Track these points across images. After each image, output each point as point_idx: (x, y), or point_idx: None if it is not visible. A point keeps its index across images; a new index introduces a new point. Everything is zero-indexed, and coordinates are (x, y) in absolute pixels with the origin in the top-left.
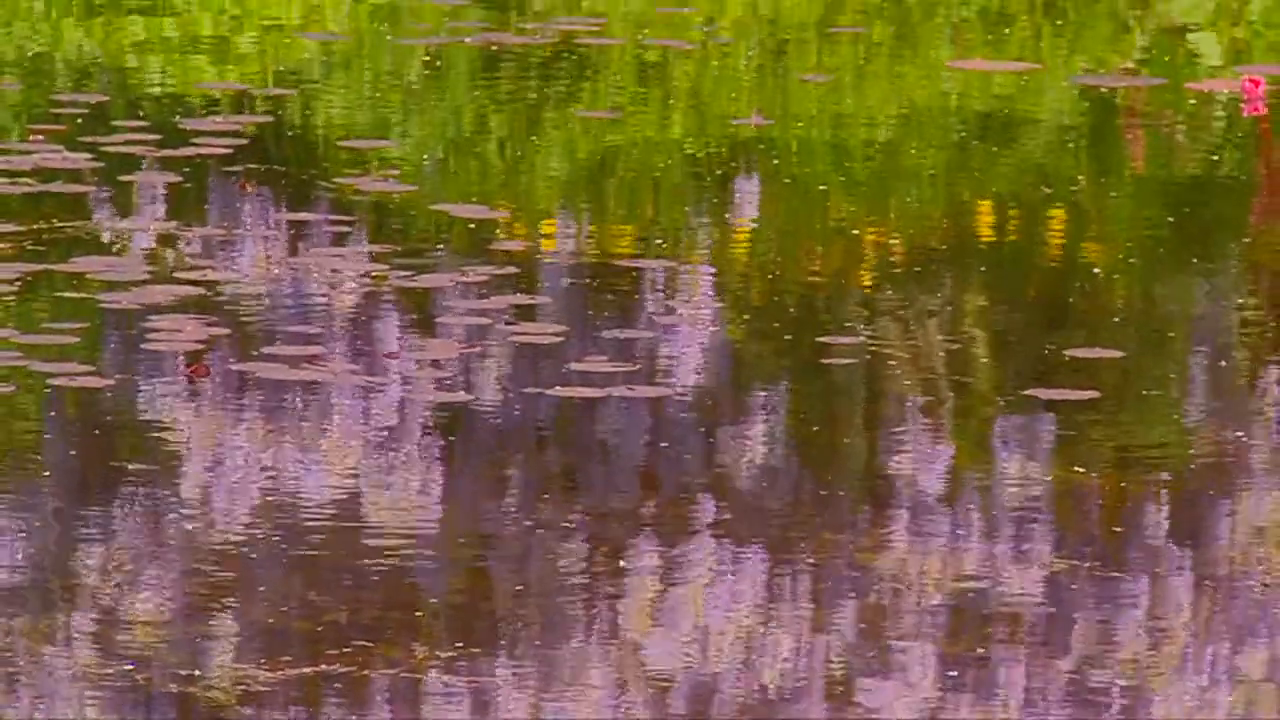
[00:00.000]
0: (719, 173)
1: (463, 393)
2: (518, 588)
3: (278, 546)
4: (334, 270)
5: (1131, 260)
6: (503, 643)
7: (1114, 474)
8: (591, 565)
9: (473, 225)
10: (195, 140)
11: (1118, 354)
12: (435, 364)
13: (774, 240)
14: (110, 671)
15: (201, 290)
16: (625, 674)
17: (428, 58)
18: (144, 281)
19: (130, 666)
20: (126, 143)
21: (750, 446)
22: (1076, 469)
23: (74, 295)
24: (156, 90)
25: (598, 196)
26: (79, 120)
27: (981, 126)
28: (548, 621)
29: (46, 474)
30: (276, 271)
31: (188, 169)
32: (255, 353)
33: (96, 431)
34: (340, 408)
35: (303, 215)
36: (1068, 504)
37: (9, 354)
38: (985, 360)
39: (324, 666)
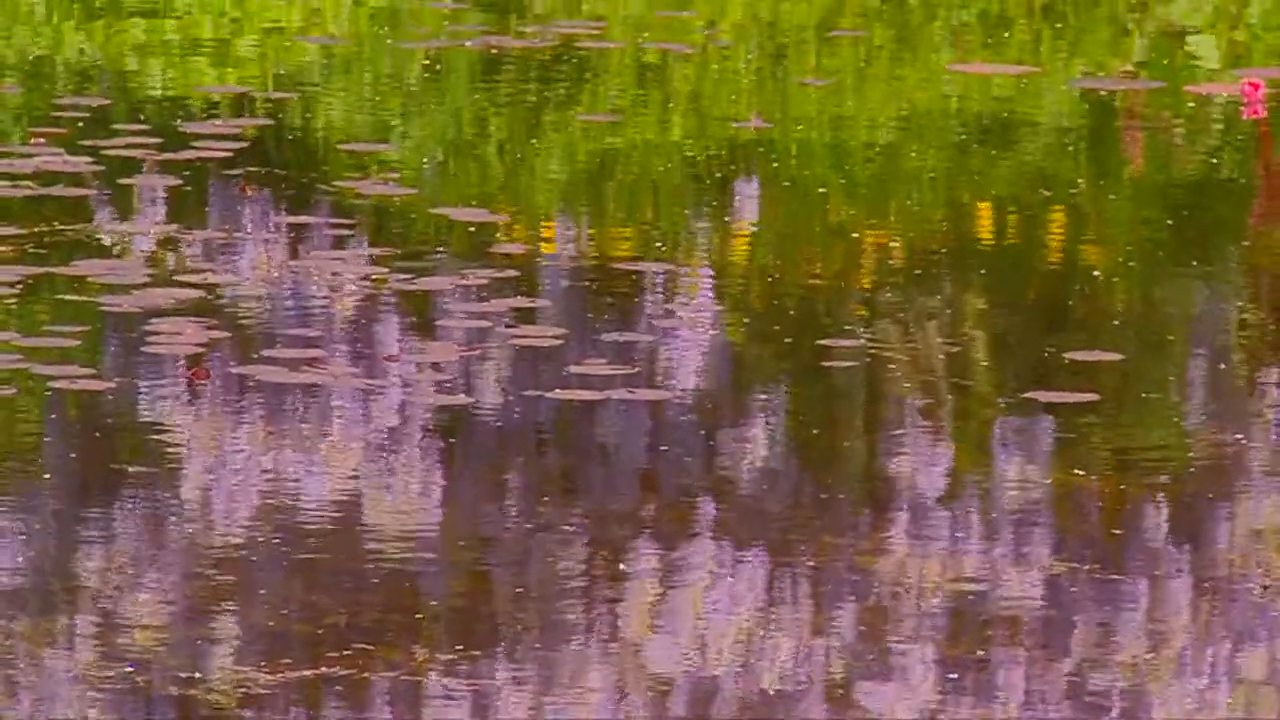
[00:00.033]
0: (719, 176)
1: (463, 395)
2: (518, 590)
3: (278, 549)
4: (334, 273)
5: (1131, 263)
6: (503, 645)
7: (1113, 476)
8: (591, 568)
9: (473, 228)
10: (196, 143)
11: (1117, 356)
12: (435, 367)
13: (774, 243)
14: (111, 673)
15: (202, 293)
16: (625, 676)
17: (428, 61)
18: (144, 285)
19: (131, 669)
20: (127, 146)
21: (750, 449)
22: (1076, 471)
23: (75, 298)
24: (157, 93)
25: (597, 199)
26: (80, 123)
27: (981, 129)
28: (548, 624)
29: (47, 476)
30: (277, 274)
31: (188, 172)
32: (255, 355)
33: (97, 434)
34: (340, 410)
35: (303, 218)
36: (1067, 506)
37: (10, 356)
38: (985, 363)
39: (324, 669)
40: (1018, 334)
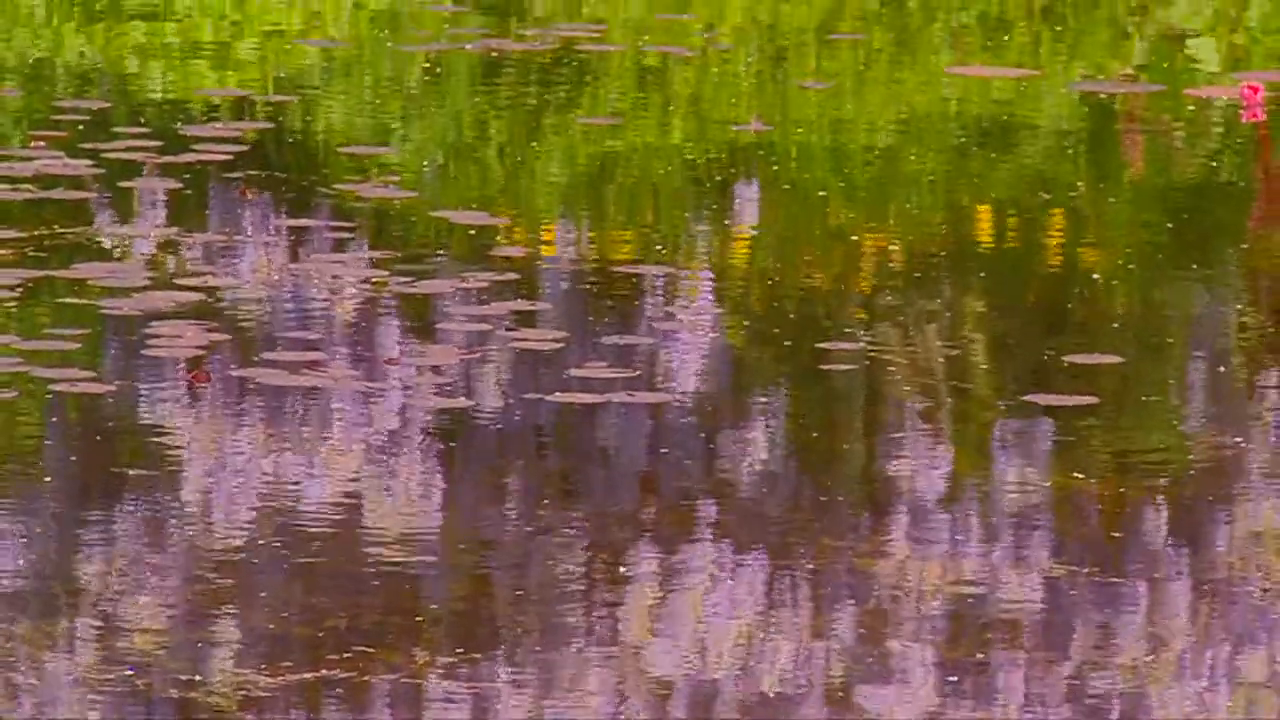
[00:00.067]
0: (719, 178)
1: (463, 398)
2: (518, 593)
3: (278, 551)
4: (334, 276)
5: (1130, 266)
6: (503, 648)
7: (1113, 479)
8: (592, 571)
9: (473, 231)
10: (196, 146)
11: (1117, 359)
12: (435, 370)
13: (774, 246)
14: (111, 676)
15: (202, 296)
16: (625, 679)
17: (428, 64)
18: (145, 287)
19: (131, 671)
20: (127, 149)
21: (750, 452)
22: (1075, 474)
23: (75, 301)
24: (157, 96)
25: (598, 202)
26: (80, 126)
27: (981, 132)
28: (548, 627)
29: (48, 479)
30: (277, 277)
31: (188, 175)
32: (256, 358)
33: (98, 437)
34: (340, 413)
35: (303, 221)
36: (1067, 509)
37: (11, 359)
38: (984, 366)
39: (325, 671)
40: (1017, 337)
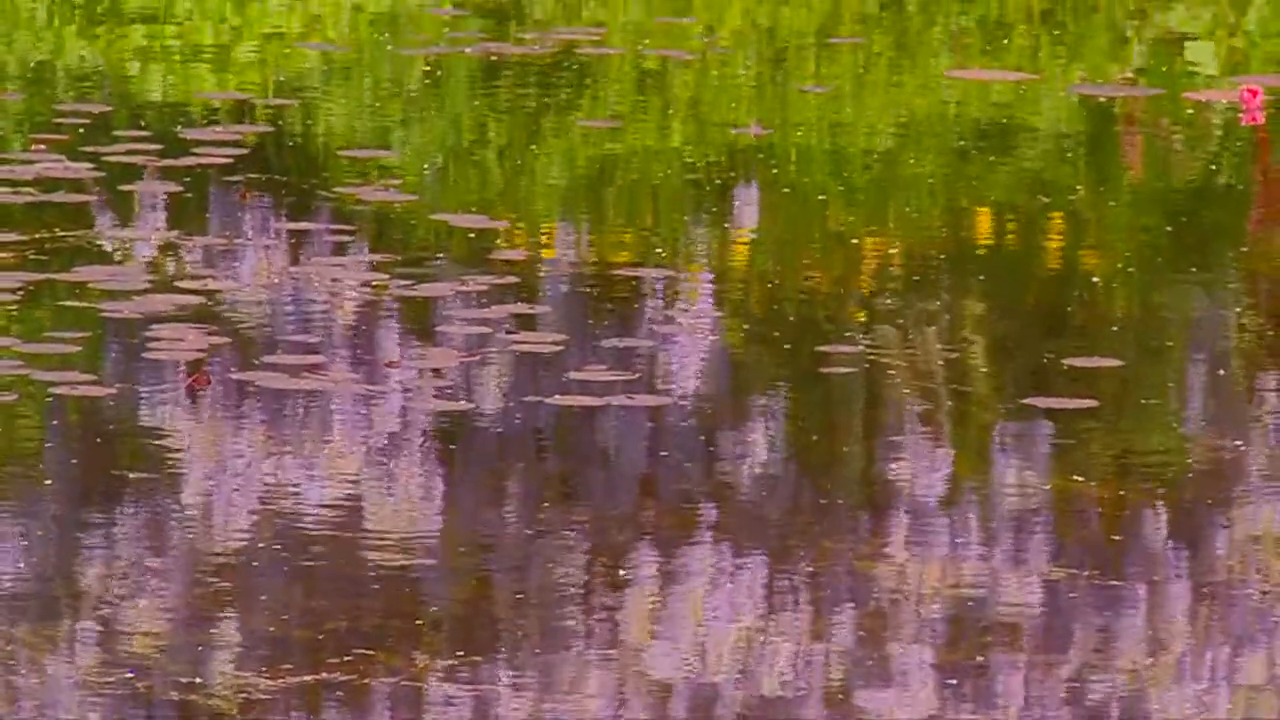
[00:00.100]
0: (718, 182)
1: (463, 401)
2: (518, 595)
3: (279, 554)
4: (334, 279)
5: (1130, 269)
6: (503, 650)
7: (1112, 482)
8: (592, 573)
9: (473, 234)
10: (196, 150)
11: (1116, 362)
12: (435, 373)
13: (773, 249)
14: (111, 679)
15: (202, 299)
16: (625, 682)
17: (428, 67)
18: (145, 291)
19: (131, 674)
20: (128, 152)
21: (750, 455)
22: (1075, 477)
23: (76, 304)
24: (158, 100)
25: (597, 205)
26: (81, 130)
27: (980, 135)
28: (548, 629)
29: (48, 482)
30: (277, 281)
31: (189, 178)
32: (256, 362)
33: (98, 440)
34: (341, 416)
35: (303, 224)
36: (1066, 512)
37: (11, 363)
38: (984, 369)
39: (325, 674)
40: (1016, 340)
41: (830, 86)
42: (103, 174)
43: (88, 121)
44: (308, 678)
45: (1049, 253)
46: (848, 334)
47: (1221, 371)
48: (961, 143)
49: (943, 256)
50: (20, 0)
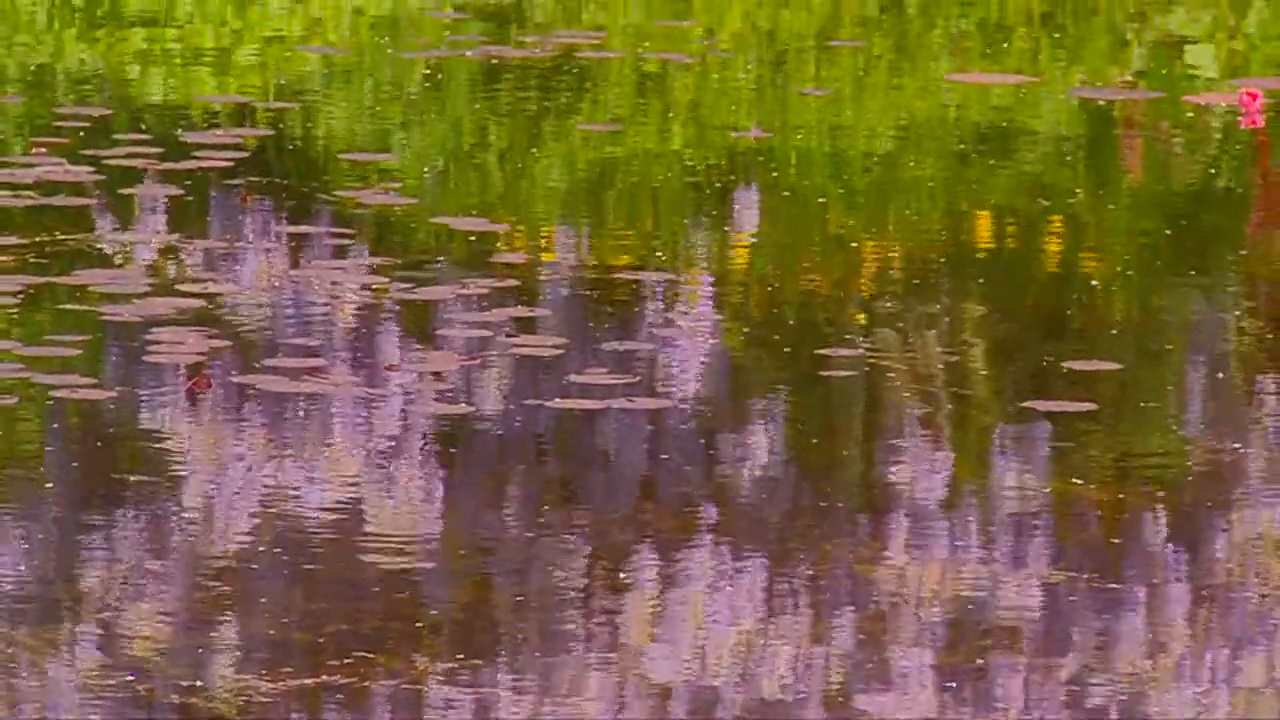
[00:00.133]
0: (718, 185)
1: (463, 405)
2: (518, 599)
3: (279, 557)
4: (335, 283)
5: (1129, 272)
6: (503, 653)
7: (1112, 485)
8: (592, 576)
9: (473, 238)
10: (196, 153)
11: (1116, 366)
12: (436, 376)
13: (773, 252)
14: (112, 682)
15: (203, 303)
16: (625, 685)
17: (428, 71)
18: (145, 294)
19: (131, 677)
20: (128, 155)
21: (750, 458)
22: (1074, 480)
23: (76, 308)
24: (158, 103)
25: (598, 209)
26: (81, 133)
27: (980, 138)
28: (548, 632)
29: (49, 485)
30: (277, 284)
31: (189, 182)
32: (256, 365)
33: (98, 443)
34: (341, 420)
35: (303, 228)
36: (1066, 515)
37: (11, 366)
38: (983, 372)
39: (325, 677)
40: (1016, 343)
41: (830, 89)
42: (103, 177)
43: (88, 125)
44: (308, 680)
45: (1049, 256)
46: (848, 337)
47: (1221, 374)
48: (961, 146)
49: (943, 259)
50: (21, 3)
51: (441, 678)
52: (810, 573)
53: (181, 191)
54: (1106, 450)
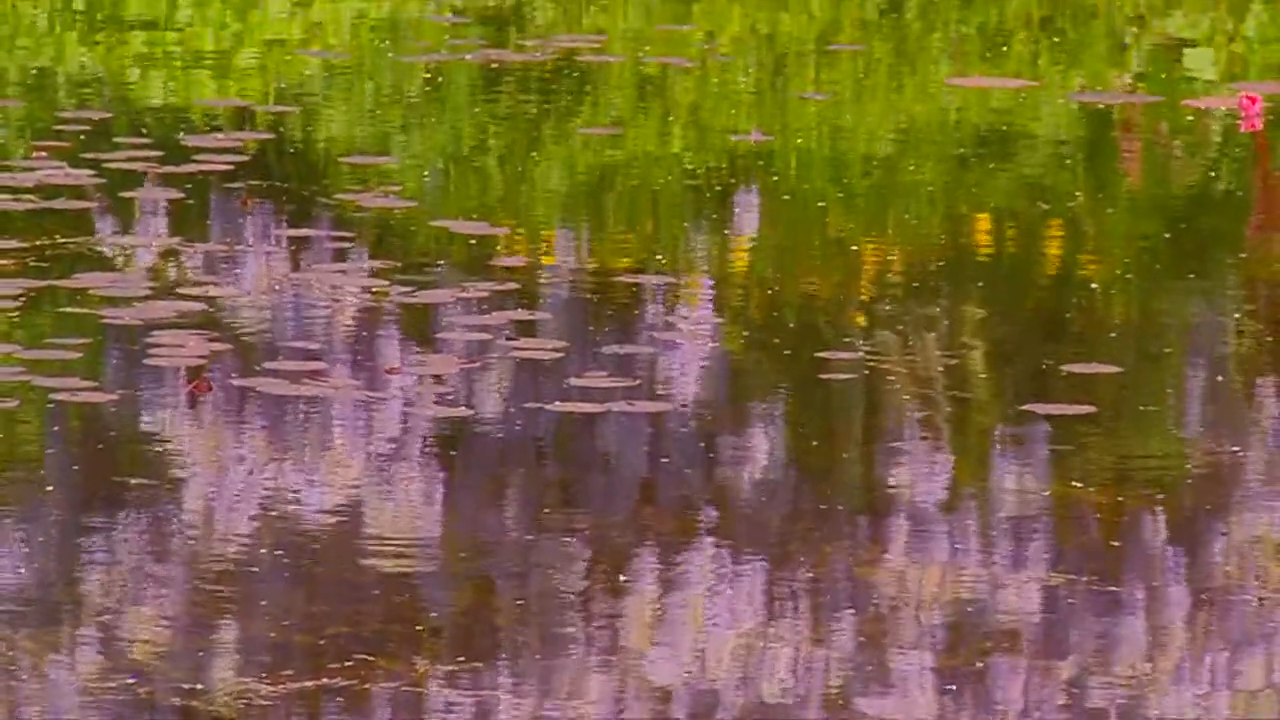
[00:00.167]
0: (718, 188)
1: (463, 408)
2: (518, 601)
3: (279, 560)
4: (335, 286)
5: (1128, 275)
6: (504, 656)
7: (1111, 488)
8: (592, 579)
9: (473, 241)
10: (197, 156)
11: (1115, 369)
12: (436, 379)
13: (773, 255)
14: (112, 685)
15: (203, 306)
16: (625, 688)
17: (428, 74)
18: (146, 297)
19: (132, 680)
20: (129, 159)
21: (750, 461)
22: (1074, 483)
23: (77, 311)
24: (158, 106)
25: (598, 212)
26: (81, 136)
27: (979, 142)
28: (548, 635)
29: (49, 488)
30: (278, 287)
31: (189, 185)
32: (257, 368)
33: (99, 446)
34: (341, 423)
35: (304, 231)
36: (1065, 518)
37: (12, 369)
38: (983, 375)
39: (326, 680)
40: (1015, 346)
41: (830, 93)
42: (104, 181)
43: (88, 128)
44: (308, 683)
45: (1048, 259)
46: (847, 340)
47: (1220, 377)
48: (961, 149)
49: (942, 263)
50: (21, 7)
51: (442, 680)
52: (810, 575)
53: (182, 195)
54: (1106, 453)
